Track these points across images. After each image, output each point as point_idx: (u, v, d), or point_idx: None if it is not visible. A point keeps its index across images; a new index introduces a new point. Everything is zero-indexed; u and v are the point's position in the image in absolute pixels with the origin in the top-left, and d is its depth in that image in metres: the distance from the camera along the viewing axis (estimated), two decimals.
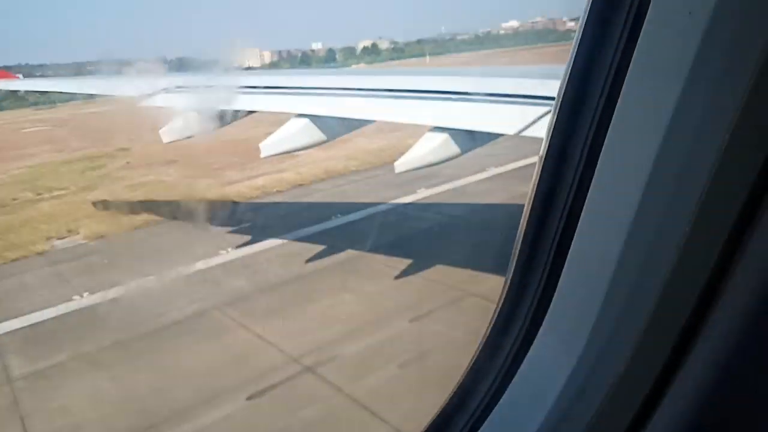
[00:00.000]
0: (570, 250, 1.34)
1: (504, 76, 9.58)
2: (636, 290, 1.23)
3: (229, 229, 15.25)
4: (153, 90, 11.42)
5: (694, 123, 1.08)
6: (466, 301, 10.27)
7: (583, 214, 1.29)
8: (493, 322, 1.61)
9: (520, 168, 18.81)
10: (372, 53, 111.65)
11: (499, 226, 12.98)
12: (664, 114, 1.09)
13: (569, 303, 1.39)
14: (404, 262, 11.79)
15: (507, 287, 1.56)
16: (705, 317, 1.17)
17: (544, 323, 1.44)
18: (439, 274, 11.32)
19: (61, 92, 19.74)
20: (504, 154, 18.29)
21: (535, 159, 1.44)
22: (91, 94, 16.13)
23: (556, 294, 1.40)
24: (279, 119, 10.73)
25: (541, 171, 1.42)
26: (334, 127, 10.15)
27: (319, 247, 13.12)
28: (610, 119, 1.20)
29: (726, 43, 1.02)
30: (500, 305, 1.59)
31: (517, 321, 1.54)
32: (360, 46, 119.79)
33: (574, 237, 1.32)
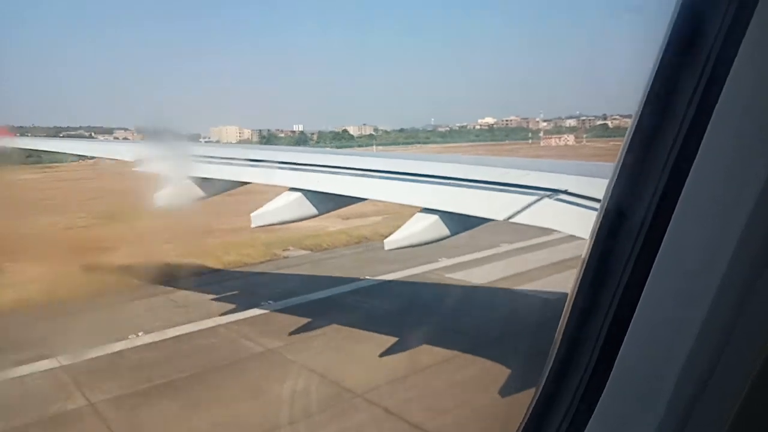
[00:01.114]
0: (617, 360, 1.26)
1: (492, 165, 10.14)
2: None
3: None
4: (149, 156, 11.65)
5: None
6: None
7: (638, 310, 1.21)
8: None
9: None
10: (343, 138, 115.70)
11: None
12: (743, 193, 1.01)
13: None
14: None
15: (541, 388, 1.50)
16: None
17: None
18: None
19: (59, 152, 19.60)
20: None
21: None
22: (80, 155, 16.30)
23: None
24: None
25: (590, 252, 1.37)
26: (326, 203, 10.42)
27: None
28: (677, 197, 1.12)
29: None
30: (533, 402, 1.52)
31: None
32: (338, 130, 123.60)
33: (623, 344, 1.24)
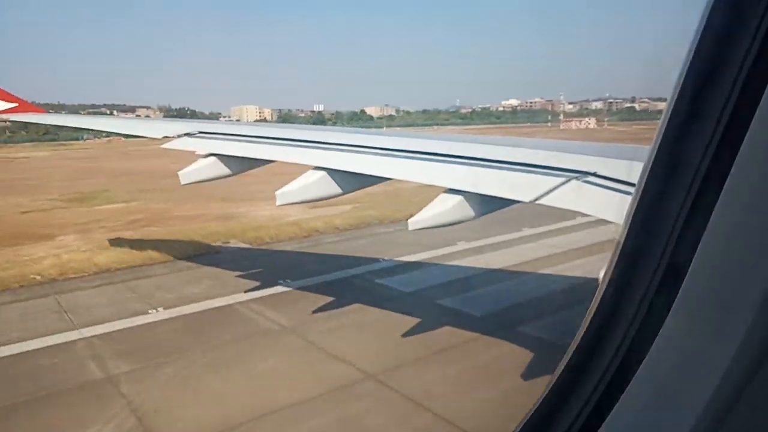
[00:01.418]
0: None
1: (518, 146, 10.01)
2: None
3: None
4: (175, 134, 11.71)
5: None
6: None
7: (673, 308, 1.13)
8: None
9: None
10: (360, 119, 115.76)
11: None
12: None
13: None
14: None
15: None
16: None
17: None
18: None
19: (77, 129, 19.86)
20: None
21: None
22: (100, 132, 16.40)
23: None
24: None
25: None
26: (350, 182, 10.40)
27: None
28: (721, 186, 1.01)
29: None
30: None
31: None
32: (357, 110, 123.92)
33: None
